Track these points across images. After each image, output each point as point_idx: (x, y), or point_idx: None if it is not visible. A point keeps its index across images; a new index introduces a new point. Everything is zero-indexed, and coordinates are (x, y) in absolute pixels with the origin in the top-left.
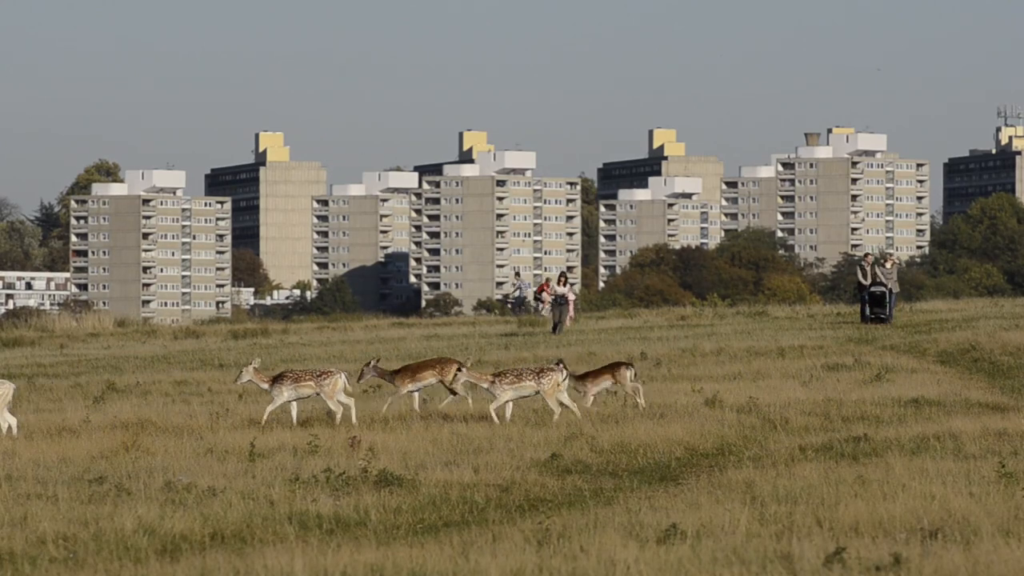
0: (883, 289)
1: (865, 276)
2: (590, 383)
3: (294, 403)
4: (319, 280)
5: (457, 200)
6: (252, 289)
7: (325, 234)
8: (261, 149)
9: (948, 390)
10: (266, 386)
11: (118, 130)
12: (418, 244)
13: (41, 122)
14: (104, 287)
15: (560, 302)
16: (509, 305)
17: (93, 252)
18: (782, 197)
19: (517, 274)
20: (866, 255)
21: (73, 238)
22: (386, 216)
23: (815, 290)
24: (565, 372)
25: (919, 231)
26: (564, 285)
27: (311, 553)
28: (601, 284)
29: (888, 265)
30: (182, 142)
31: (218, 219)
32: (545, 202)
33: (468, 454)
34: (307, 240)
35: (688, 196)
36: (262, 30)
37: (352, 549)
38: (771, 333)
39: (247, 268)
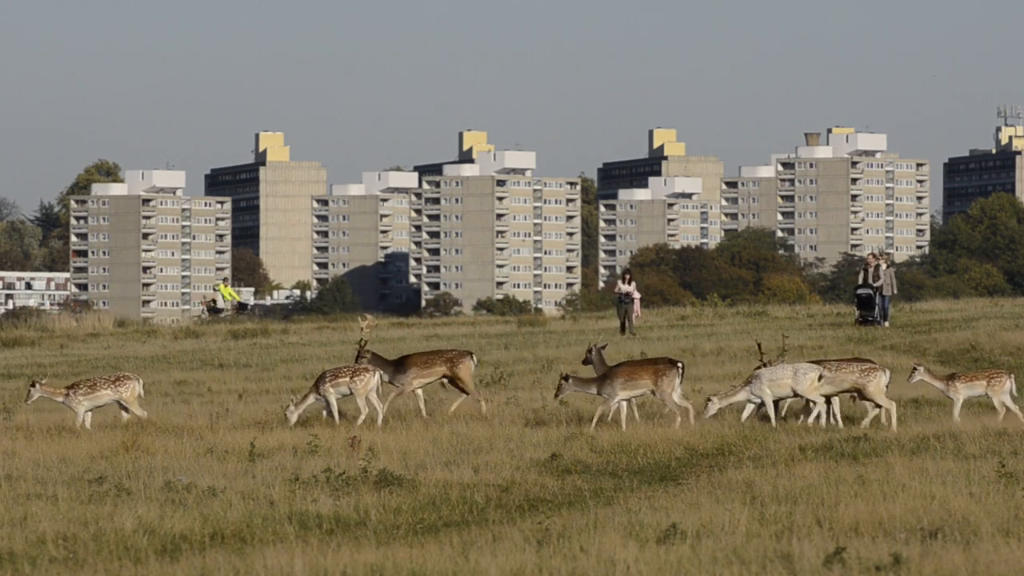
0: (869, 292)
1: (865, 277)
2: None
3: (625, 402)
4: (319, 280)
5: (457, 200)
6: (252, 289)
7: (325, 234)
8: (261, 149)
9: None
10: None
11: (118, 130)
12: (418, 244)
13: (41, 122)
14: (104, 287)
15: (624, 301)
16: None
17: (93, 252)
18: (782, 197)
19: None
20: (870, 255)
21: (73, 238)
22: (386, 216)
23: (815, 290)
24: (141, 381)
25: (919, 231)
26: (629, 283)
27: (311, 553)
28: (601, 284)
29: (883, 267)
30: (182, 142)
31: (218, 219)
32: (545, 202)
33: (468, 454)
34: (307, 240)
35: (688, 196)
36: (262, 30)
37: (352, 549)
38: (771, 333)
39: (247, 268)
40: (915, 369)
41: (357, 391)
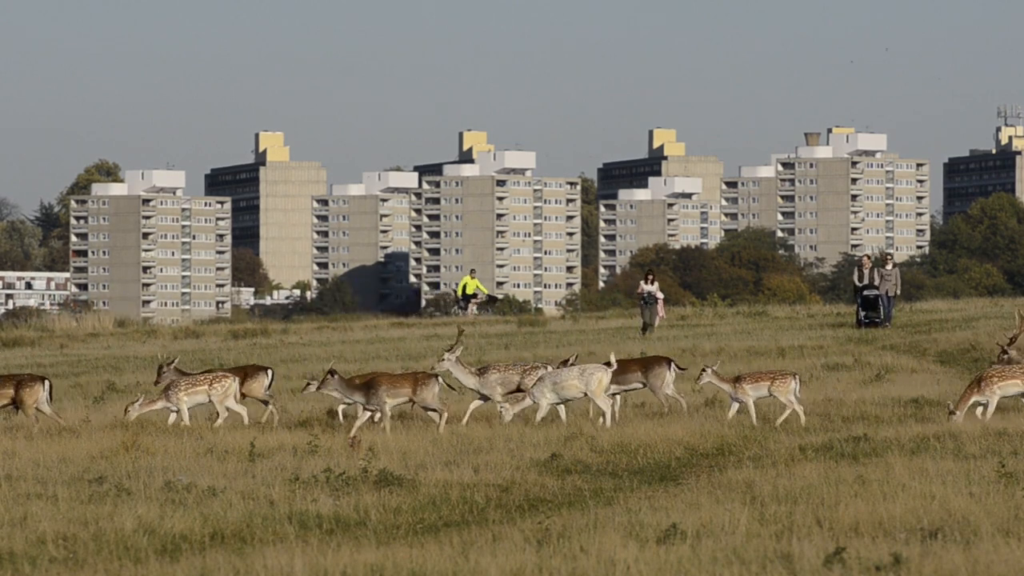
0: (876, 292)
1: (861, 278)
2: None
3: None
4: (319, 280)
5: (457, 200)
6: (252, 289)
7: (325, 234)
8: (261, 149)
9: (948, 390)
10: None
11: (118, 130)
12: (418, 244)
13: (41, 122)
14: (104, 287)
15: (649, 301)
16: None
17: (93, 252)
18: (782, 197)
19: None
20: (864, 256)
21: (73, 238)
22: (386, 216)
23: (815, 290)
24: None
25: (919, 231)
26: (652, 283)
27: (311, 553)
28: (601, 284)
29: (888, 267)
30: (182, 142)
31: (218, 219)
32: (545, 202)
33: (468, 454)
34: (307, 240)
35: (688, 196)
36: (262, 30)
37: (352, 549)
38: (771, 333)
39: (247, 268)
40: (704, 371)
41: (216, 398)
